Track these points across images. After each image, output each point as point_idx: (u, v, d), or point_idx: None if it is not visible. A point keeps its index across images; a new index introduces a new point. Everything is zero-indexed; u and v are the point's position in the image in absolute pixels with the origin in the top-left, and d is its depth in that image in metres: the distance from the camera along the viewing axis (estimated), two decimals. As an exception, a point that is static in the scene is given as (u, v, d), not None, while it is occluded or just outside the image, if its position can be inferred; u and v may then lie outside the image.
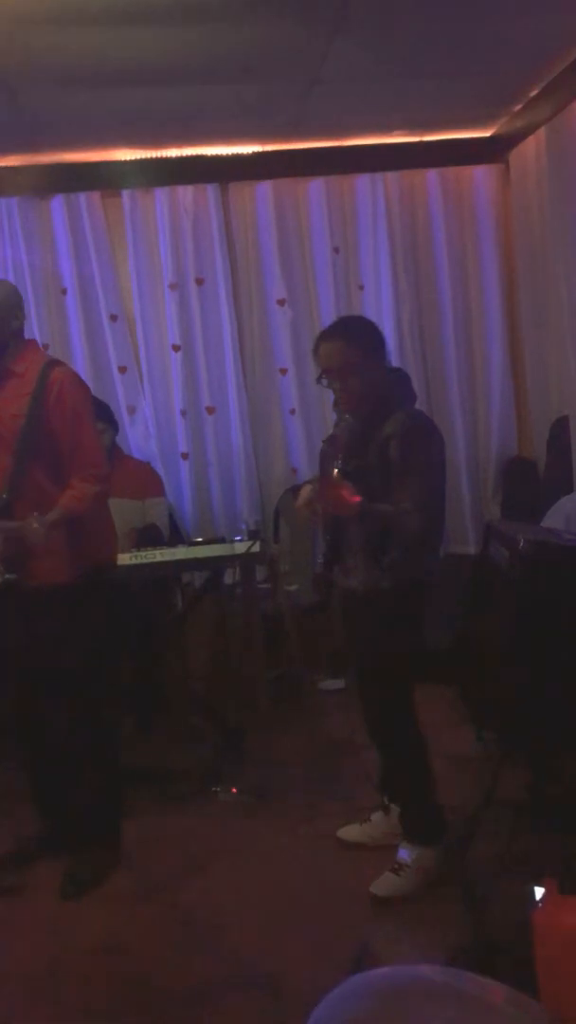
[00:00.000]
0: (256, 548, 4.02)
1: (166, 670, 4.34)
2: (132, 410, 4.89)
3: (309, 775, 3.67)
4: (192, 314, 4.85)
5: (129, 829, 3.17)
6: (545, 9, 3.40)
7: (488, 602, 3.26)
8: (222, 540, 4.29)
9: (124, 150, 4.66)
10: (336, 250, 4.91)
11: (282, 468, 5.03)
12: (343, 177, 4.91)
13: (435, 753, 2.90)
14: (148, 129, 4.39)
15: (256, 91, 3.98)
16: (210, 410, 4.92)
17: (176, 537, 4.60)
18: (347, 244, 4.96)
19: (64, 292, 4.80)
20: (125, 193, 4.78)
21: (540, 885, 1.96)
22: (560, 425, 4.51)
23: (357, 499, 2.59)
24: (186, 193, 4.79)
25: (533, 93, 4.34)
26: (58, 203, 4.75)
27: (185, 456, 4.91)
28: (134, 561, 3.84)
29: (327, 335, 2.86)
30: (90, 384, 4.63)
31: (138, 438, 4.90)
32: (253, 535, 4.16)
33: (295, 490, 4.77)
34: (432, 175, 4.95)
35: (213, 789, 3.55)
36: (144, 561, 3.89)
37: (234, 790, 3.53)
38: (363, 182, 4.91)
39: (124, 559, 3.71)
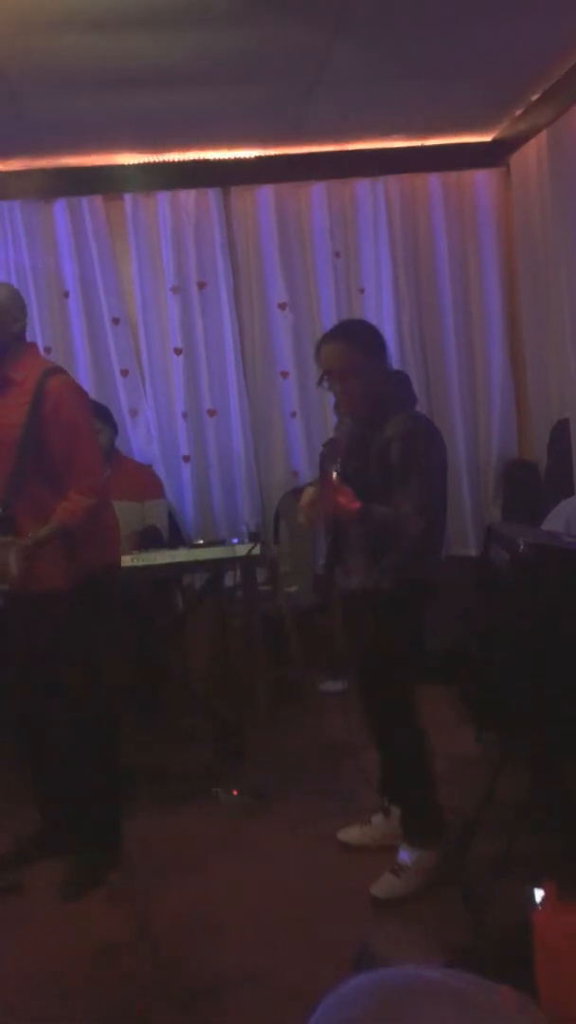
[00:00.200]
0: (257, 550, 4.03)
1: (167, 671, 4.35)
2: (134, 413, 4.90)
3: (309, 777, 3.67)
4: (194, 317, 4.87)
5: (129, 830, 3.17)
6: (546, 13, 3.41)
7: (489, 604, 3.27)
8: (223, 542, 4.30)
9: (126, 154, 4.68)
10: (337, 254, 4.93)
11: (283, 471, 5.04)
12: (344, 181, 4.92)
13: (435, 754, 2.91)
14: (150, 133, 4.41)
15: (257, 95, 4.00)
16: (211, 413, 4.94)
17: (177, 539, 4.61)
18: (348, 248, 4.97)
19: (66, 295, 4.82)
20: (127, 197, 4.79)
21: (540, 886, 1.97)
22: (561, 428, 4.51)
23: (356, 505, 2.60)
24: (188, 197, 4.80)
25: (534, 97, 4.36)
26: (61, 206, 4.77)
27: (186, 459, 4.92)
28: (135, 563, 3.85)
29: (329, 337, 2.88)
30: (92, 387, 4.69)
31: (140, 441, 4.91)
32: (254, 537, 4.17)
33: (296, 492, 4.79)
34: (433, 179, 4.97)
35: (213, 790, 3.56)
36: (145, 563, 3.90)
37: (234, 791, 3.54)
38: (364, 186, 4.93)
39: (125, 561, 3.71)
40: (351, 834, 3.12)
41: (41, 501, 2.90)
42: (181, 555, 4.05)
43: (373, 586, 2.77)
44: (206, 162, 4.74)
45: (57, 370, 3.02)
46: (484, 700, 3.50)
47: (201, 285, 4.87)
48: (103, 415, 4.24)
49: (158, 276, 4.86)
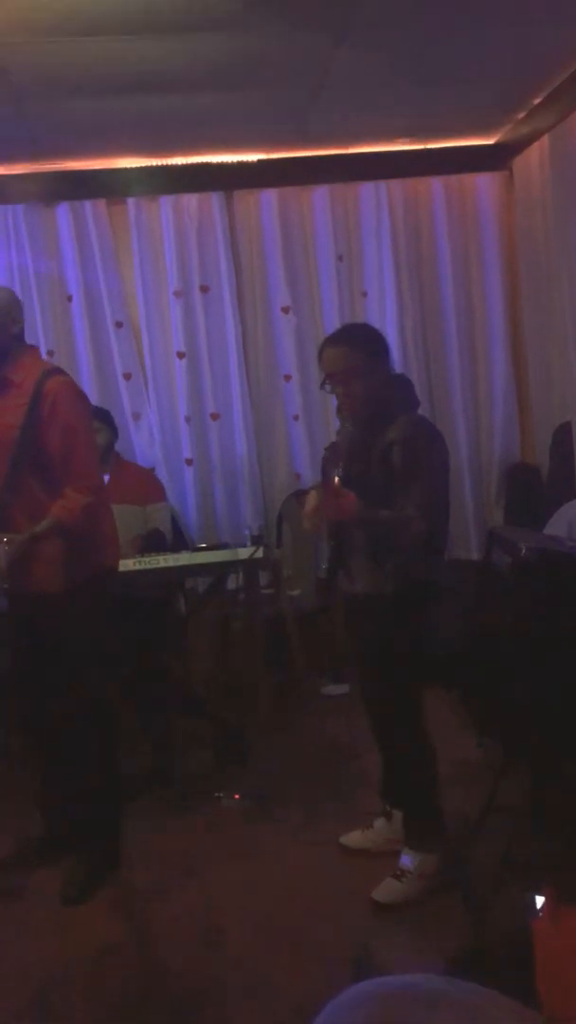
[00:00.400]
0: (259, 553, 4.03)
1: (169, 675, 4.35)
2: (137, 416, 4.91)
3: (311, 781, 3.67)
4: (197, 321, 4.87)
5: (132, 833, 3.17)
6: (548, 18, 3.41)
7: (490, 608, 3.26)
8: (226, 545, 4.30)
9: (129, 158, 4.68)
10: (340, 258, 4.93)
11: (286, 474, 5.04)
12: (347, 185, 4.93)
13: (436, 758, 2.91)
14: (153, 137, 4.42)
15: (261, 99, 4.00)
16: (214, 416, 4.94)
17: (180, 542, 4.61)
18: (351, 252, 4.97)
19: (69, 299, 4.83)
20: (130, 201, 4.80)
21: (541, 892, 1.97)
22: (563, 431, 4.51)
23: (357, 508, 2.60)
24: (191, 201, 4.81)
25: (537, 101, 4.36)
26: (63, 210, 4.77)
27: (189, 462, 4.93)
28: (138, 567, 3.85)
29: (332, 340, 2.88)
30: (95, 391, 4.69)
31: (143, 444, 4.91)
32: (256, 540, 4.17)
33: (298, 496, 4.80)
34: (436, 183, 4.97)
35: (215, 794, 3.56)
36: (148, 567, 3.90)
37: (236, 795, 3.54)
38: (367, 190, 4.93)
39: (128, 564, 3.72)
40: (353, 838, 3.12)
41: (37, 501, 2.90)
42: (184, 558, 4.05)
43: (376, 589, 2.77)
44: (209, 166, 4.75)
45: (56, 371, 3.03)
46: (485, 704, 3.50)
47: (204, 289, 4.87)
48: (103, 418, 4.25)
49: (161, 280, 4.87)
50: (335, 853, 3.09)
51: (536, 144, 4.58)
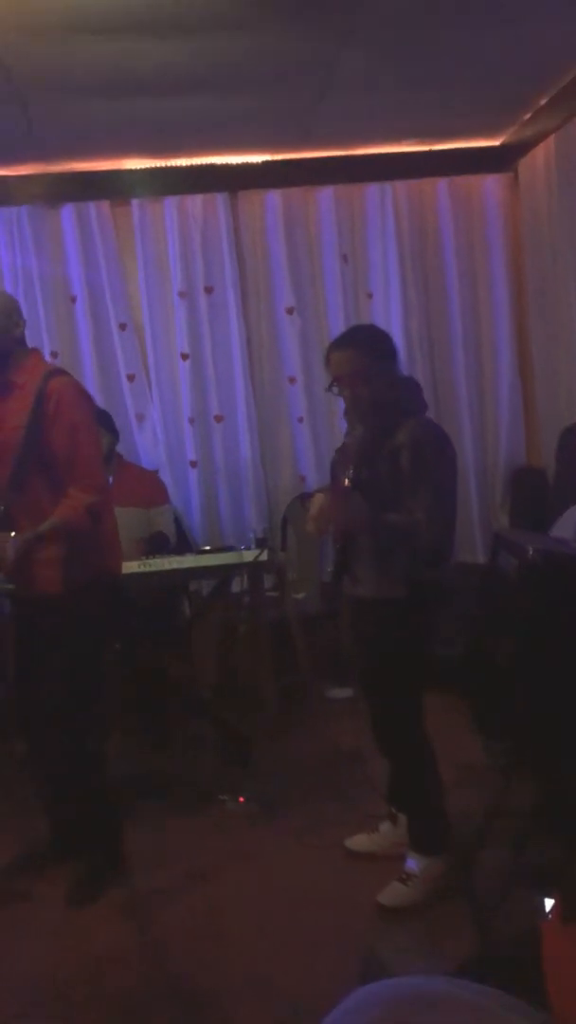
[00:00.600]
0: (264, 556, 4.02)
1: (173, 678, 4.33)
2: (141, 418, 4.91)
3: (316, 784, 3.66)
4: (201, 322, 4.87)
5: (136, 837, 3.16)
6: (554, 18, 3.41)
7: (496, 611, 3.25)
8: (230, 548, 4.29)
9: (134, 159, 4.69)
10: (345, 259, 4.93)
11: (290, 476, 5.03)
12: (352, 186, 4.93)
13: (443, 762, 2.89)
14: (158, 138, 4.42)
15: (266, 101, 4.00)
16: (218, 418, 4.93)
17: (184, 545, 4.60)
18: (356, 253, 4.97)
19: (73, 300, 4.83)
20: (135, 202, 4.81)
21: (549, 896, 1.95)
22: (569, 434, 4.49)
23: (363, 516, 2.60)
24: (195, 202, 4.81)
25: (542, 102, 4.35)
26: (68, 212, 4.78)
27: (193, 464, 4.92)
28: (142, 569, 3.84)
29: (339, 343, 2.87)
30: (99, 392, 4.69)
31: (146, 446, 4.91)
32: (261, 543, 4.17)
33: (303, 498, 4.78)
34: (441, 184, 4.97)
35: (220, 798, 3.54)
36: (152, 569, 3.89)
37: (241, 799, 3.52)
38: (372, 191, 4.93)
39: (132, 567, 3.71)
40: (358, 842, 3.10)
41: (41, 502, 2.90)
42: (188, 561, 4.04)
43: (382, 593, 2.76)
44: (214, 167, 4.75)
45: (59, 372, 3.03)
46: (491, 708, 3.48)
47: (208, 290, 4.87)
48: (104, 422, 4.24)
49: (165, 281, 4.86)
50: (340, 857, 3.07)
51: (541, 145, 4.57)
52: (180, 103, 3.93)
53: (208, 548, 4.38)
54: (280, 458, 5.03)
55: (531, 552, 2.80)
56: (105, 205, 4.79)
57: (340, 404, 2.94)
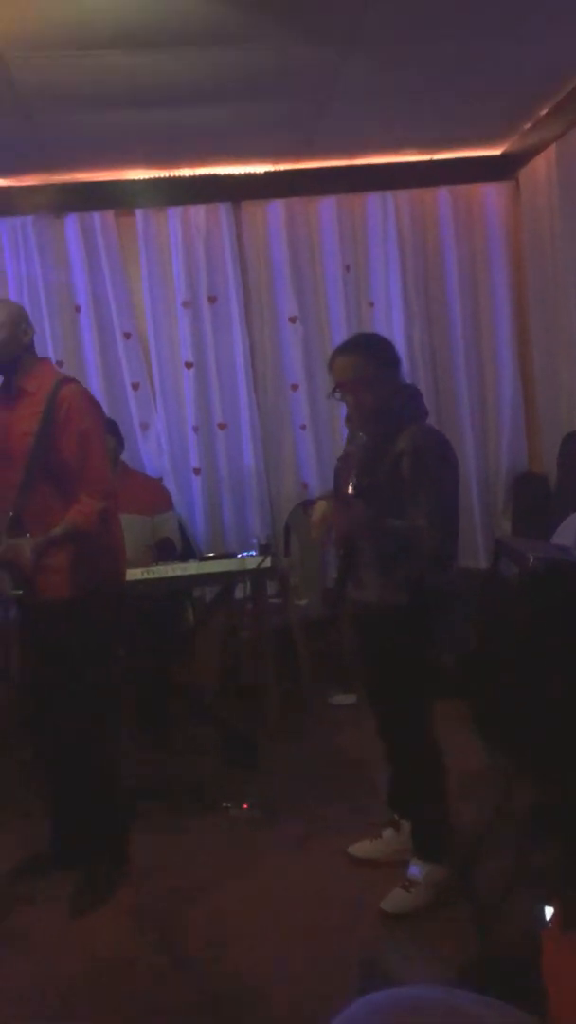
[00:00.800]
0: (267, 563, 4.04)
1: (177, 684, 4.35)
2: (145, 426, 4.93)
3: (319, 790, 3.67)
4: (204, 331, 4.89)
5: (139, 843, 3.17)
6: (555, 28, 3.43)
7: (497, 618, 3.26)
8: (233, 555, 4.31)
9: (138, 170, 4.71)
10: (347, 268, 4.95)
11: (293, 483, 5.06)
12: (354, 196, 4.95)
13: (446, 769, 2.91)
14: (161, 149, 4.44)
15: (268, 111, 4.03)
16: (222, 426, 4.96)
17: (188, 552, 4.62)
18: (358, 262, 4.99)
19: (78, 310, 4.85)
20: (139, 212, 4.83)
21: (550, 903, 1.96)
22: (571, 440, 4.51)
23: (366, 524, 2.61)
24: (199, 212, 4.84)
25: (543, 111, 4.38)
26: (72, 222, 4.80)
27: (197, 472, 4.94)
28: (146, 576, 3.87)
29: (343, 349, 2.89)
30: (103, 401, 4.70)
31: (151, 454, 4.93)
32: (264, 550, 4.18)
33: (306, 505, 4.80)
34: (443, 193, 4.99)
35: (224, 804, 3.56)
36: (156, 576, 3.91)
37: (244, 805, 3.53)
38: (374, 200, 4.95)
39: (136, 574, 3.73)
40: (361, 848, 3.11)
41: (50, 508, 2.93)
42: (192, 568, 4.06)
43: (386, 600, 2.78)
44: (217, 177, 4.78)
45: (70, 380, 3.06)
46: (493, 715, 3.49)
47: (212, 299, 4.89)
48: (109, 428, 4.26)
49: (169, 291, 4.89)
50: (343, 863, 3.08)
51: (542, 154, 4.59)
52: (184, 114, 3.95)
53: (211, 555, 4.40)
54: (283, 465, 5.05)
55: (532, 560, 2.82)
56: (109, 215, 4.82)
57: (342, 411, 2.96)
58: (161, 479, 4.84)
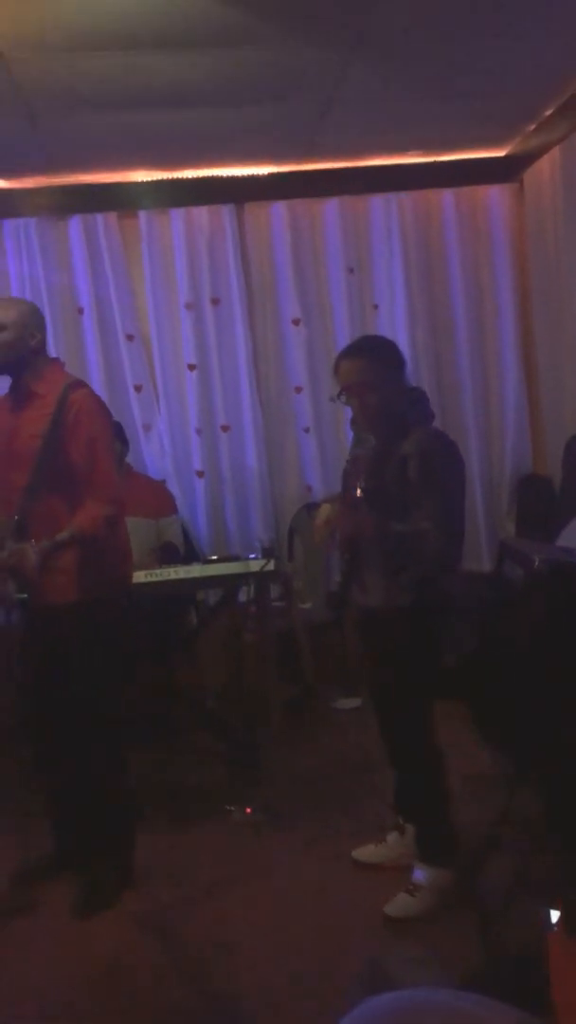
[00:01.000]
0: (270, 566, 4.02)
1: (180, 688, 4.34)
2: (147, 428, 4.92)
3: (323, 794, 3.65)
4: (207, 333, 4.89)
5: (142, 848, 3.16)
6: (559, 30, 3.42)
7: (502, 621, 3.25)
8: (236, 558, 4.30)
9: (141, 171, 4.72)
10: (351, 270, 4.95)
11: (296, 486, 5.04)
12: (358, 197, 4.94)
13: (450, 772, 2.89)
14: (165, 151, 4.45)
15: (272, 113, 4.03)
16: (225, 428, 4.95)
17: (191, 555, 4.61)
18: (362, 264, 4.99)
19: (81, 312, 4.85)
20: (142, 214, 4.83)
21: (555, 907, 1.94)
22: (575, 442, 4.50)
23: (371, 527, 2.60)
24: (202, 214, 4.84)
25: (547, 113, 4.37)
26: (75, 224, 4.80)
27: (200, 474, 4.93)
28: (149, 579, 3.85)
29: (349, 352, 2.89)
30: (106, 403, 4.70)
31: (153, 456, 4.92)
32: (267, 553, 4.16)
33: (309, 508, 4.80)
34: (447, 195, 4.98)
35: (227, 807, 3.54)
36: (159, 579, 3.90)
37: (248, 809, 3.52)
38: (378, 202, 4.94)
39: (139, 577, 3.72)
40: (365, 852, 3.10)
41: (55, 512, 2.92)
42: (195, 571, 4.05)
43: (391, 603, 2.76)
44: (220, 179, 4.78)
45: (80, 384, 3.05)
46: (498, 718, 3.47)
47: (215, 301, 4.89)
48: (115, 431, 4.26)
49: (172, 292, 4.89)
50: (347, 867, 3.07)
51: (547, 156, 4.58)
52: (187, 116, 3.95)
53: (215, 558, 4.39)
54: (286, 468, 5.04)
55: (537, 562, 2.81)
56: (112, 217, 4.82)
57: (346, 414, 2.95)
58: (164, 482, 4.83)
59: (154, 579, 3.88)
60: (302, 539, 4.89)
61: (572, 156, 4.31)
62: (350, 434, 3.19)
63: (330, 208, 4.93)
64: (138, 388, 4.90)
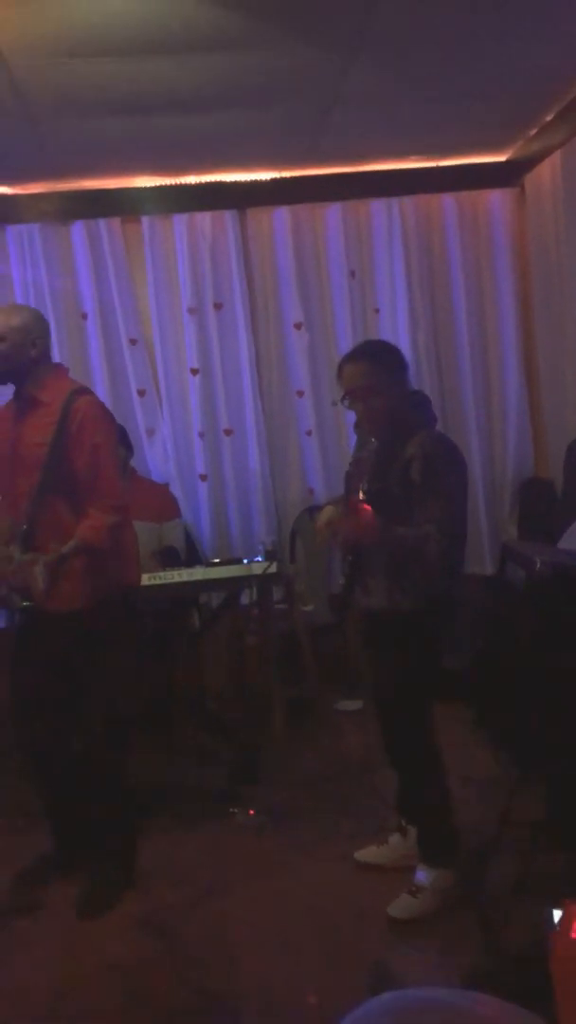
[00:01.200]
0: (273, 569, 4.04)
1: (183, 690, 4.35)
2: (151, 432, 4.94)
3: (326, 796, 3.66)
4: (210, 338, 4.90)
5: (145, 849, 3.17)
6: (560, 34, 3.43)
7: (504, 623, 3.26)
8: (239, 561, 4.31)
9: (144, 177, 4.73)
10: (352, 274, 4.96)
11: (299, 489, 5.06)
12: (359, 202, 4.96)
13: (452, 774, 2.90)
14: (167, 156, 4.46)
15: (274, 118, 4.04)
16: (228, 432, 4.96)
17: (193, 558, 4.62)
18: (363, 268, 5.00)
19: (84, 317, 4.87)
20: (145, 219, 4.85)
21: (558, 907, 1.96)
22: (577, 446, 4.51)
23: (375, 530, 2.62)
24: (205, 219, 4.85)
25: (548, 117, 4.38)
26: (79, 229, 4.82)
27: (203, 478, 4.95)
28: (152, 582, 3.87)
29: (352, 356, 2.91)
30: (110, 407, 4.69)
31: (157, 460, 4.94)
32: (270, 556, 4.18)
33: (312, 511, 4.81)
34: (448, 199, 4.99)
35: (229, 809, 3.55)
36: (162, 582, 3.91)
37: (251, 811, 3.53)
38: (379, 207, 4.96)
39: (142, 580, 3.73)
40: (368, 854, 3.11)
41: (61, 519, 2.93)
42: (197, 574, 4.07)
43: (393, 605, 2.78)
44: (222, 184, 4.79)
45: (84, 391, 3.06)
46: (500, 719, 3.49)
47: (217, 306, 4.91)
48: (119, 436, 4.27)
49: (175, 297, 4.90)
50: (350, 869, 3.08)
51: (548, 160, 4.60)
52: (189, 121, 3.97)
53: (217, 561, 4.40)
54: (289, 471, 5.05)
55: (539, 564, 2.82)
56: (115, 222, 4.83)
57: (348, 417, 2.97)
58: (168, 485, 4.85)
59: (157, 582, 3.89)
60: (304, 542, 4.90)
61: (573, 160, 4.33)
62: (352, 437, 3.21)
63: (332, 213, 4.95)
64: (141, 392, 4.92)
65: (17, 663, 3.12)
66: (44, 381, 3.00)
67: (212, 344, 4.91)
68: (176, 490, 4.84)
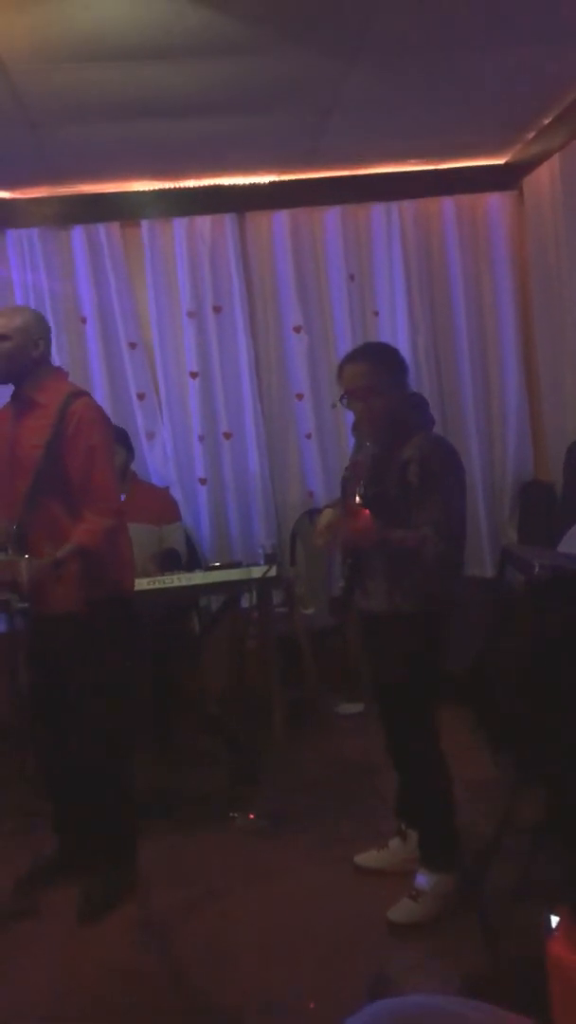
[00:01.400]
0: (273, 572, 4.04)
1: (183, 694, 4.35)
2: (151, 436, 4.94)
3: (326, 800, 3.66)
4: (210, 341, 4.91)
5: (145, 853, 3.17)
6: (558, 38, 3.44)
7: (504, 626, 3.26)
8: (239, 564, 4.31)
9: (143, 181, 4.74)
10: (352, 277, 4.97)
11: (298, 492, 5.06)
12: (359, 206, 4.96)
13: (452, 777, 2.90)
14: (167, 160, 4.47)
15: (273, 122, 4.05)
16: (227, 435, 4.97)
17: (193, 561, 4.62)
18: (362, 271, 5.01)
19: (84, 321, 4.87)
20: (144, 223, 4.85)
21: (556, 912, 1.96)
22: (576, 449, 4.51)
23: (374, 533, 2.62)
24: (204, 223, 4.86)
25: (547, 121, 4.39)
26: (78, 233, 4.83)
27: (203, 481, 4.95)
28: (152, 586, 3.87)
29: (352, 357, 2.92)
30: (109, 411, 4.66)
31: (156, 463, 4.94)
32: (270, 559, 4.18)
33: (312, 514, 4.81)
34: (447, 203, 5.00)
35: (231, 814, 3.56)
36: (162, 586, 3.91)
37: (251, 815, 3.53)
38: (378, 210, 4.96)
39: (142, 584, 3.73)
40: (368, 858, 3.11)
41: (55, 521, 2.93)
42: (197, 577, 4.06)
43: (393, 608, 2.78)
44: (222, 188, 4.80)
45: (82, 393, 3.06)
46: (500, 723, 3.49)
47: (217, 309, 4.91)
48: (120, 438, 4.28)
49: (174, 301, 4.91)
50: (350, 873, 3.07)
51: (546, 164, 4.60)
52: (189, 125, 3.97)
53: (217, 564, 4.40)
54: (288, 474, 5.06)
55: (538, 567, 2.82)
56: (115, 226, 4.84)
57: (348, 420, 2.98)
58: (168, 488, 4.85)
59: (157, 586, 3.89)
60: (304, 545, 4.90)
61: (572, 163, 4.33)
62: (351, 440, 3.21)
63: (331, 216, 4.96)
64: (141, 396, 4.92)
65: (27, 667, 3.13)
66: (43, 383, 3.00)
67: (211, 347, 4.91)
68: (176, 493, 4.85)
